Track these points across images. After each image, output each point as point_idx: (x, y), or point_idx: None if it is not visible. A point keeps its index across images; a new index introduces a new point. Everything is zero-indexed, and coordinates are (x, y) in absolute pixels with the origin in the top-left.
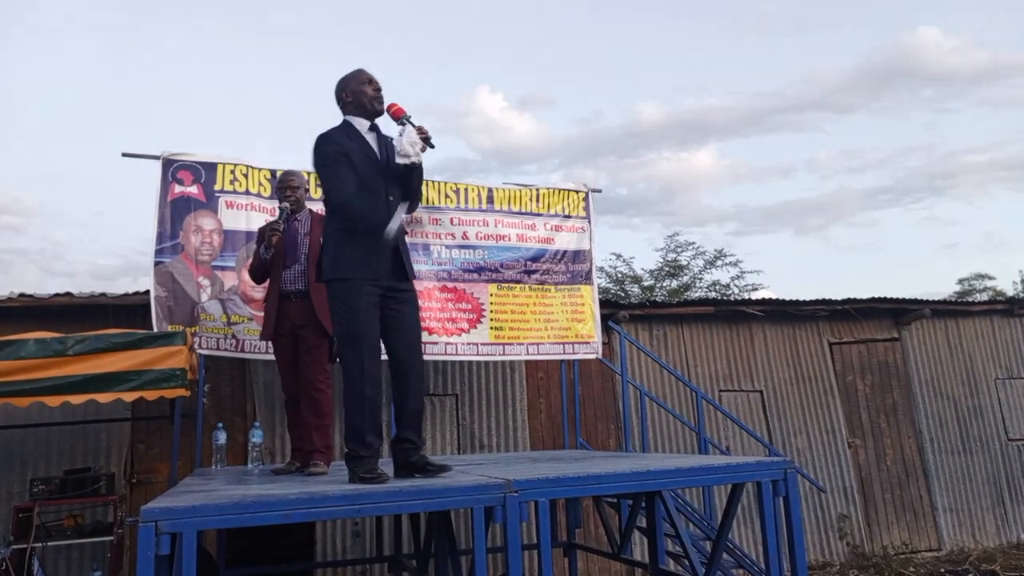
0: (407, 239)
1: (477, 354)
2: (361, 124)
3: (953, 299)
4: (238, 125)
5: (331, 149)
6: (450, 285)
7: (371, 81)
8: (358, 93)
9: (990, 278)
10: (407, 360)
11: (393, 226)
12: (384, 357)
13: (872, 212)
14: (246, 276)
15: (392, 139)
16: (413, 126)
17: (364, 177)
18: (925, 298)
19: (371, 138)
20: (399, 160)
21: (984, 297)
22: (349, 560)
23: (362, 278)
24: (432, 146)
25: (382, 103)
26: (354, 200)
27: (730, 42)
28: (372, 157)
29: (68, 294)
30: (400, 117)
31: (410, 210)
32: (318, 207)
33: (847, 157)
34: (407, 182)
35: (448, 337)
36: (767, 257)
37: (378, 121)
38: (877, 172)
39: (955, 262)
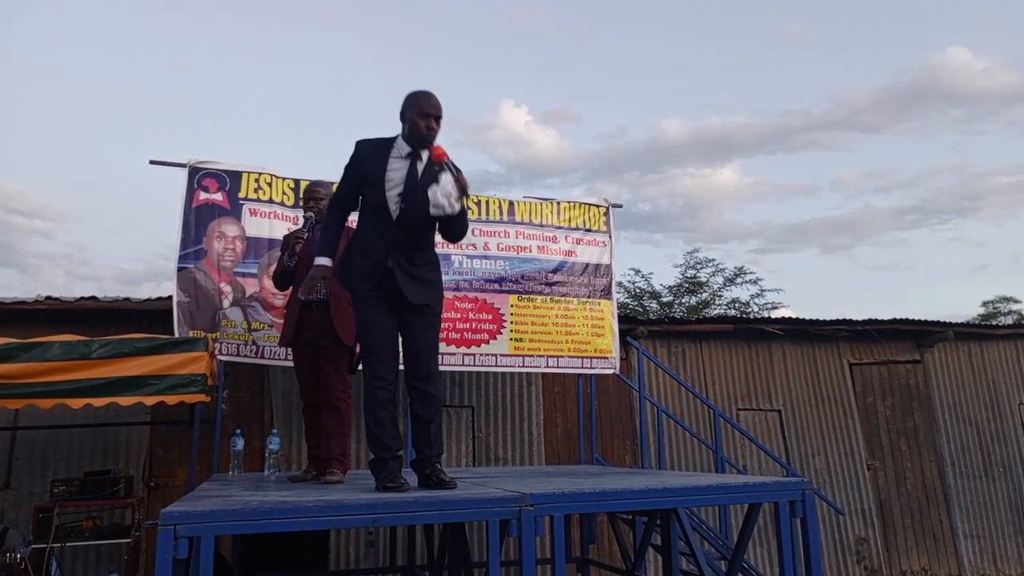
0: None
1: (496, 365)
2: (402, 148)
3: (977, 322)
4: (264, 134)
5: (350, 160)
6: (471, 295)
7: (427, 116)
8: (413, 124)
9: (1015, 301)
10: (410, 372)
11: (317, 261)
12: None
13: (899, 232)
14: (267, 283)
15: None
16: (452, 173)
17: (377, 200)
18: (949, 320)
19: (401, 164)
20: (432, 211)
21: (1009, 320)
22: (362, 569)
23: (359, 291)
24: (468, 195)
25: (429, 142)
26: (328, 212)
27: (756, 61)
28: (385, 184)
29: (93, 298)
30: (440, 162)
31: (452, 240)
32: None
33: (872, 177)
34: (445, 224)
35: (467, 348)
36: (791, 275)
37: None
38: (903, 192)
39: (984, 284)
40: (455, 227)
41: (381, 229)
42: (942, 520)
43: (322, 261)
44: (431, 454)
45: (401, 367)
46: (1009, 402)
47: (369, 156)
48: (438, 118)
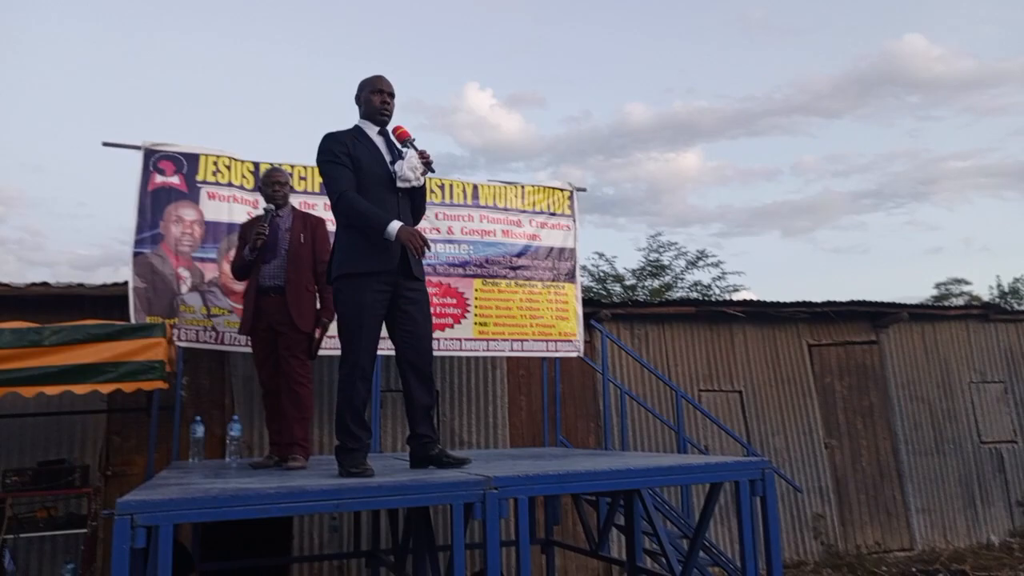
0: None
1: (460, 349)
2: (370, 128)
3: (930, 303)
4: (222, 118)
5: (335, 148)
6: (435, 280)
7: (381, 92)
8: (367, 101)
9: (966, 283)
10: (414, 359)
11: (395, 225)
12: (391, 353)
13: (857, 216)
14: (226, 268)
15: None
16: (416, 150)
17: (372, 177)
18: (903, 302)
19: (380, 141)
20: (399, 184)
21: (960, 302)
22: (326, 555)
23: (367, 272)
24: (433, 171)
25: (387, 115)
26: (347, 195)
27: (719, 46)
28: (380, 160)
29: (45, 284)
30: (404, 140)
31: (413, 223)
32: (299, 201)
33: (832, 161)
34: (411, 197)
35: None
36: (753, 258)
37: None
38: (861, 177)
39: (937, 266)
40: (417, 204)
41: (387, 200)
42: (895, 496)
43: (397, 224)
44: (435, 437)
45: (390, 352)
46: (960, 381)
47: (351, 139)
48: (391, 95)
